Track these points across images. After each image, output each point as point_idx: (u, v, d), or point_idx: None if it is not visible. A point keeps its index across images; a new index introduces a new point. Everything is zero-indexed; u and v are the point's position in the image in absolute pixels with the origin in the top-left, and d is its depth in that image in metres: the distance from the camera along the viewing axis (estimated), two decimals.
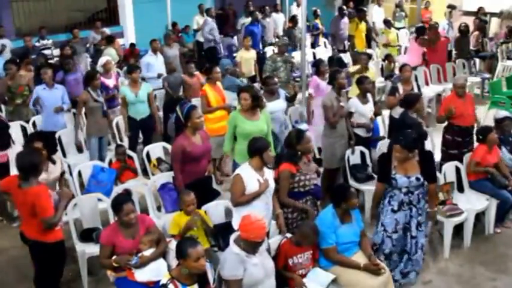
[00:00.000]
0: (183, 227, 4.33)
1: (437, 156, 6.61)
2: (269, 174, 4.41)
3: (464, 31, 11.11)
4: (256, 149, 4.31)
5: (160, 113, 8.31)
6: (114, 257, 4.05)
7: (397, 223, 4.60)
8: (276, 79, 6.59)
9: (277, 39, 10.86)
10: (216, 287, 3.83)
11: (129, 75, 6.99)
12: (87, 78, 6.62)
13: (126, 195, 4.42)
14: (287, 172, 4.55)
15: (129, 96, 6.79)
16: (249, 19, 12.57)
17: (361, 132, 6.31)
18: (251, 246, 3.69)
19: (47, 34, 10.80)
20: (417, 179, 4.53)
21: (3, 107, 7.66)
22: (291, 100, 6.99)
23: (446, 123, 6.42)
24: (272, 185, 4.40)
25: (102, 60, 7.90)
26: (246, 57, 9.19)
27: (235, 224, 4.17)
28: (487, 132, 5.70)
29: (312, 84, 7.11)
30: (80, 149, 6.84)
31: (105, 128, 6.69)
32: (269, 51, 10.70)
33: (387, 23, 11.78)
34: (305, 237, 4.15)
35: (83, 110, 6.68)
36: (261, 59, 9.78)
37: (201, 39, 12.29)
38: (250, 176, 4.28)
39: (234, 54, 10.84)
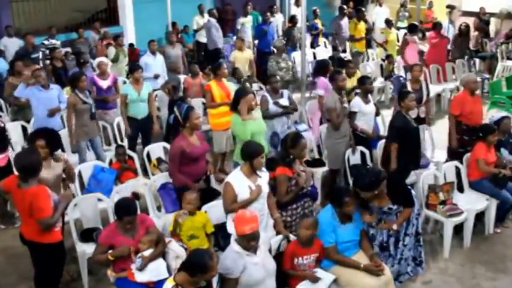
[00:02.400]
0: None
1: (437, 156, 6.66)
2: (262, 179, 4.37)
3: (464, 31, 11.10)
4: (248, 154, 4.30)
5: (164, 113, 8.36)
6: (110, 251, 4.03)
7: (373, 239, 4.56)
8: (278, 77, 6.73)
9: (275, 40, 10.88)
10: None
11: (131, 74, 6.98)
12: (73, 80, 6.48)
13: (132, 201, 4.30)
14: (283, 176, 4.55)
15: (132, 94, 6.79)
16: (247, 19, 12.60)
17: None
18: (249, 241, 3.67)
19: (46, 34, 10.80)
20: (389, 208, 4.52)
21: (3, 106, 7.67)
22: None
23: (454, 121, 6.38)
24: (265, 189, 4.37)
25: (96, 60, 7.93)
26: (240, 58, 9.21)
27: (230, 229, 4.18)
28: (489, 132, 5.67)
29: (322, 85, 7.05)
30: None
31: (94, 130, 6.52)
32: None
33: (388, 23, 11.75)
34: (308, 227, 4.12)
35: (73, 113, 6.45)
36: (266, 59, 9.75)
37: (201, 40, 12.31)
38: (241, 183, 4.25)
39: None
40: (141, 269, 3.98)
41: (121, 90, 7.01)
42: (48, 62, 9.87)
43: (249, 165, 4.28)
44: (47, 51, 10.12)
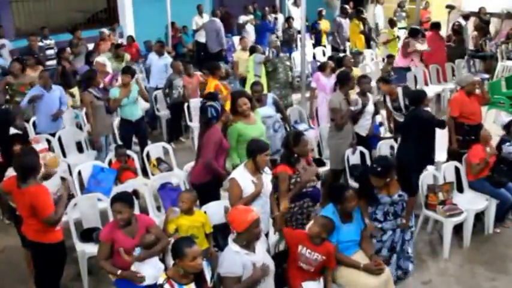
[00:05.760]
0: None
1: (436, 156, 6.63)
2: (265, 177, 4.39)
3: (457, 31, 11.01)
4: (252, 151, 4.32)
5: (164, 113, 8.44)
6: (120, 271, 3.99)
7: (383, 233, 4.56)
8: (260, 87, 6.35)
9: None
10: (214, 286, 3.82)
11: (122, 76, 6.82)
12: (88, 78, 6.55)
13: (129, 193, 4.33)
14: (284, 174, 4.56)
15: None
16: (249, 17, 12.63)
17: (361, 131, 6.31)
18: (255, 229, 3.65)
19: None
20: (399, 195, 4.53)
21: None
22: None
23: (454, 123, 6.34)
24: (268, 187, 4.39)
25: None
26: (243, 58, 9.18)
27: None
28: (478, 130, 5.72)
29: (315, 79, 7.39)
30: (80, 149, 6.83)
31: (110, 125, 6.62)
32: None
33: (391, 23, 11.70)
34: (320, 226, 4.11)
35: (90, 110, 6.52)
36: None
37: (201, 40, 12.31)
38: (245, 179, 4.27)
39: (233, 55, 10.86)
40: (140, 259, 3.95)
41: (110, 93, 6.76)
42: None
43: (252, 162, 4.30)
44: (47, 52, 10.11)
